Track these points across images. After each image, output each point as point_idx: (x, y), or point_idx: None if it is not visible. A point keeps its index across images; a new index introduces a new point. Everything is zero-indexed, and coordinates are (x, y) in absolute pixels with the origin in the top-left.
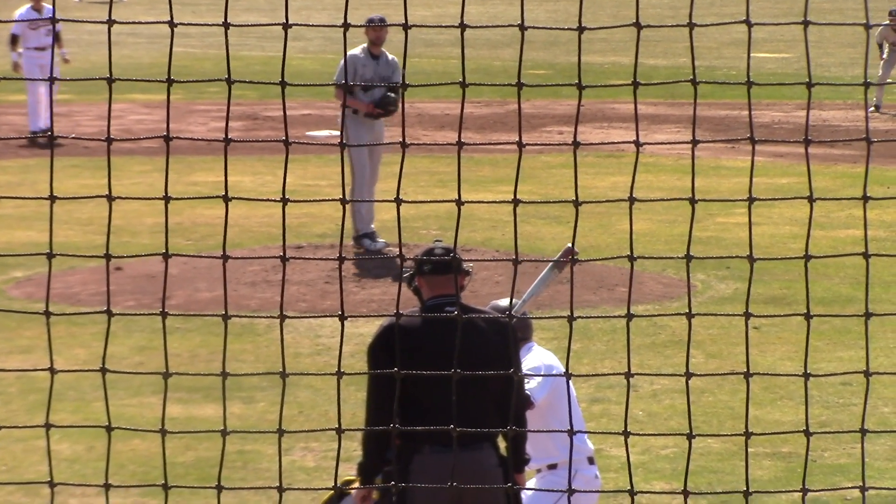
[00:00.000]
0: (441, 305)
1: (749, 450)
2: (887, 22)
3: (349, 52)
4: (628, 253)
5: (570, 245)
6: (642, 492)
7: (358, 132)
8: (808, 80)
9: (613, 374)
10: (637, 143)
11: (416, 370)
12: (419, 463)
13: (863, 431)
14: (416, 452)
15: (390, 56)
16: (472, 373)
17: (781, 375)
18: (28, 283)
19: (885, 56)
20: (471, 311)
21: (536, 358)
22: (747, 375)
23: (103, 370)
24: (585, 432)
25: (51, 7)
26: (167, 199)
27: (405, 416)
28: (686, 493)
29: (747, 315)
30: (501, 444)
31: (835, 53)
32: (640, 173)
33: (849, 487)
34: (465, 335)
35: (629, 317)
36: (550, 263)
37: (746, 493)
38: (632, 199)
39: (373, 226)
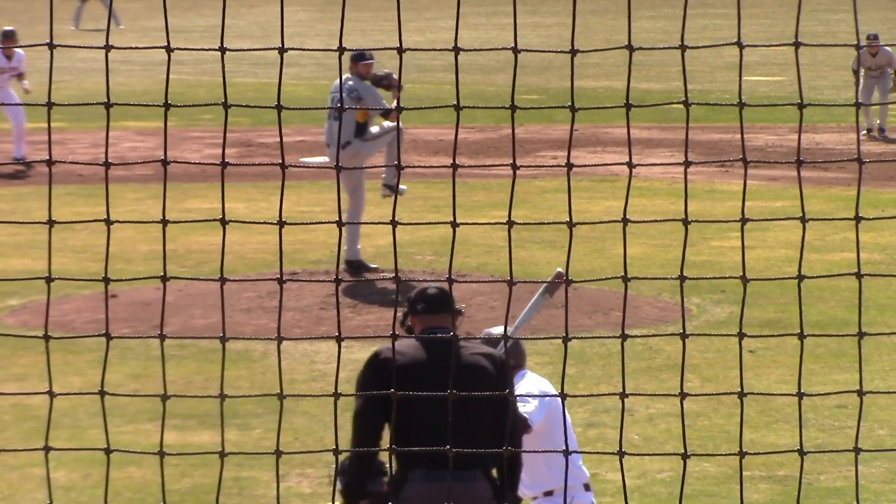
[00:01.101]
0: (430, 334)
1: (745, 473)
2: (864, 45)
3: (365, 84)
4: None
5: (560, 269)
6: None
7: (363, 162)
8: (800, 101)
9: (608, 394)
10: (630, 165)
11: (407, 399)
12: (410, 492)
13: (856, 451)
14: (406, 482)
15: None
16: (465, 397)
17: (775, 395)
18: (23, 311)
19: (860, 82)
20: (462, 339)
21: (531, 384)
22: (741, 395)
23: (102, 393)
24: (581, 452)
25: (22, 53)
26: (164, 222)
27: (396, 447)
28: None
29: (741, 335)
30: (495, 475)
31: (828, 76)
32: (634, 197)
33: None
34: (457, 365)
35: (623, 337)
36: (541, 288)
37: None
38: (625, 221)
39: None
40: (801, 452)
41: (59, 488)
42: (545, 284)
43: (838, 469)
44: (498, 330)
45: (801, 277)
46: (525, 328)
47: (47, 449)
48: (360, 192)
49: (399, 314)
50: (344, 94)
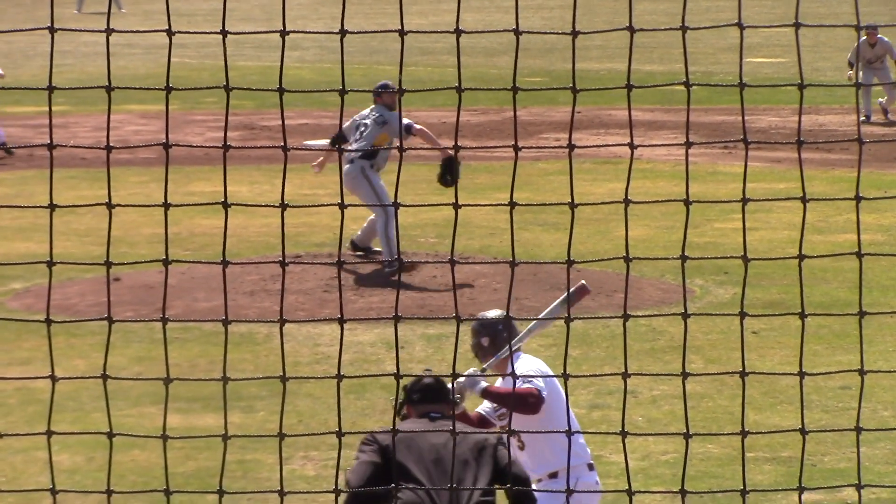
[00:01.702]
0: (425, 417)
1: (749, 454)
2: (864, 38)
3: (392, 113)
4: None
5: (583, 282)
6: (640, 491)
7: (377, 179)
8: (800, 81)
9: (611, 374)
10: (631, 146)
11: (400, 475)
12: None
13: (857, 430)
14: None
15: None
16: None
17: (776, 375)
18: (26, 295)
19: (853, 74)
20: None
21: (528, 363)
22: (743, 375)
23: (104, 377)
24: (584, 433)
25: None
26: (166, 206)
27: None
28: (683, 493)
29: (742, 314)
30: None
31: (830, 58)
32: (637, 179)
33: (844, 486)
34: (445, 444)
35: (626, 318)
36: (561, 297)
37: (743, 493)
38: (627, 202)
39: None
40: (803, 432)
41: (64, 471)
42: (566, 294)
43: (841, 450)
44: (493, 313)
45: (801, 257)
46: (538, 331)
47: (49, 433)
48: (381, 199)
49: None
50: (369, 121)
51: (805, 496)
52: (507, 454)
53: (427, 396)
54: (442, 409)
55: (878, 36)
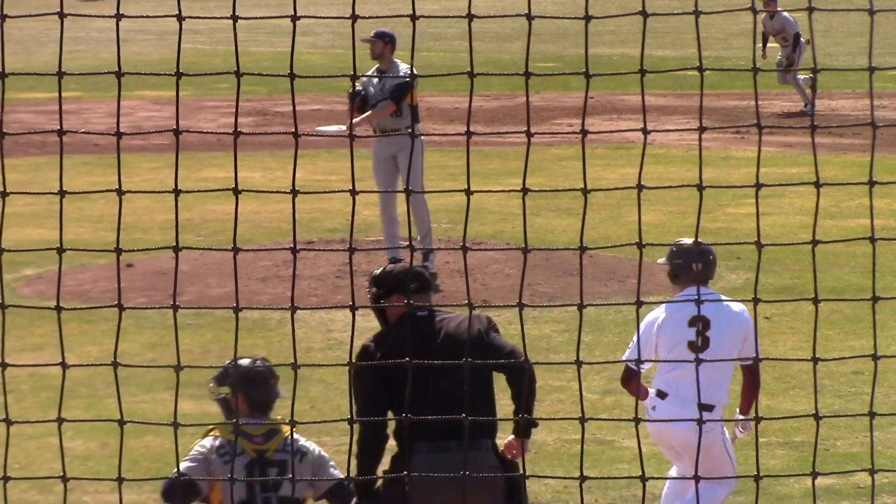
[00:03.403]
0: (410, 315)
1: (762, 439)
2: (760, 8)
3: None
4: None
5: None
6: (654, 478)
7: (378, 153)
8: (813, 66)
9: (621, 361)
10: (644, 131)
11: (402, 377)
12: (418, 465)
13: (871, 414)
14: (413, 455)
15: (403, 66)
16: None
17: (788, 360)
18: (39, 281)
19: (766, 53)
20: (440, 313)
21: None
22: (756, 360)
23: (115, 364)
24: (597, 419)
25: None
26: (177, 192)
27: (399, 426)
28: (697, 479)
29: (756, 300)
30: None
31: (843, 43)
32: (650, 164)
33: (858, 471)
34: (439, 335)
35: (639, 304)
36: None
37: (757, 478)
38: (640, 187)
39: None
40: (817, 417)
41: (77, 457)
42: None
43: (854, 435)
44: (687, 240)
45: (815, 242)
46: (545, 297)
47: (60, 420)
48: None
49: (371, 292)
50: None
51: (818, 481)
52: (497, 335)
53: (424, 285)
54: (428, 298)
55: (778, 9)
